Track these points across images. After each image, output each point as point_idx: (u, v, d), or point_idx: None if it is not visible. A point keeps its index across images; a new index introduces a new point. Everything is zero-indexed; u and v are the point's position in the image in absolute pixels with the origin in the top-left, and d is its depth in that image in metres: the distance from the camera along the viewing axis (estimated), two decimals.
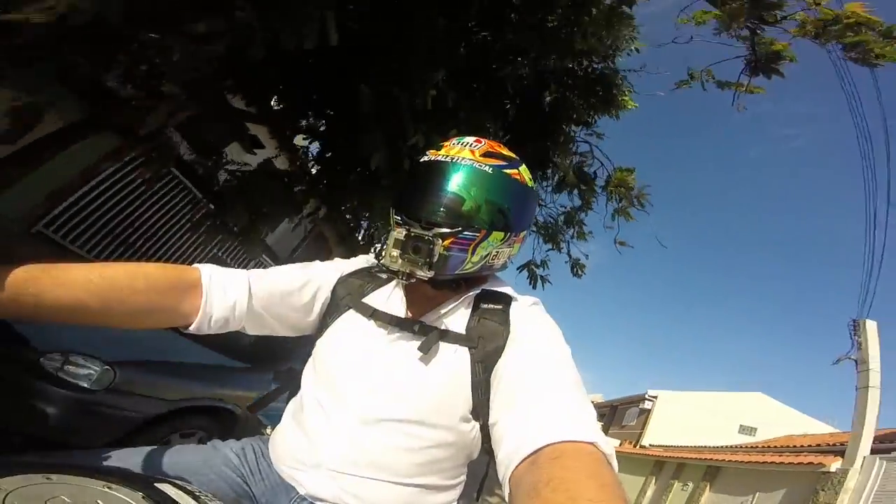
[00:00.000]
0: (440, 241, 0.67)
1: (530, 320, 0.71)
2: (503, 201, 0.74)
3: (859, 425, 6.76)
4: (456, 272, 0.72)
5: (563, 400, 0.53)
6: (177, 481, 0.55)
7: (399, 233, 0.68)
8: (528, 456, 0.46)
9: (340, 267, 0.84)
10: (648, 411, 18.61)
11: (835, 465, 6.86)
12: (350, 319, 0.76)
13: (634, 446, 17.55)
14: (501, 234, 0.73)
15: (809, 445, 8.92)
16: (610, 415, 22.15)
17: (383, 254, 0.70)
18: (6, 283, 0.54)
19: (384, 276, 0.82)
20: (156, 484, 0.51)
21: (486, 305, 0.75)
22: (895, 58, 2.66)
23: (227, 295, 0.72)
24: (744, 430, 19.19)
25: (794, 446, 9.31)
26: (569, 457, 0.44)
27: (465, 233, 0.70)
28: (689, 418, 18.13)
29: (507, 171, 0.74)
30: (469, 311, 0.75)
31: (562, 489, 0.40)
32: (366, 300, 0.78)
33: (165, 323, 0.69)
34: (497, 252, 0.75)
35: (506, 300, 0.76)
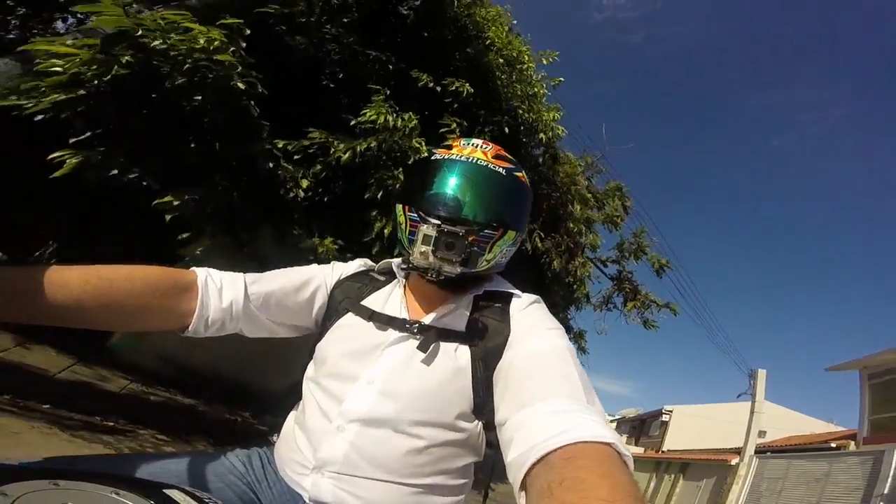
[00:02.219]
0: (468, 237, 0.69)
1: (532, 318, 0.72)
2: (515, 202, 0.78)
3: (748, 437, 11.48)
4: (473, 270, 0.73)
5: (574, 399, 0.52)
6: (186, 488, 0.55)
7: (429, 229, 0.68)
8: (542, 458, 0.44)
9: (338, 270, 0.84)
10: (667, 423, 22.79)
11: (734, 461, 11.66)
12: (349, 322, 0.77)
13: (657, 452, 21.84)
14: (514, 234, 0.76)
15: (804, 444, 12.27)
16: (639, 427, 26.41)
17: (411, 251, 0.71)
18: (1, 284, 0.54)
19: (382, 278, 0.83)
20: (164, 490, 0.51)
21: (485, 303, 0.76)
22: (656, 326, 7.25)
23: (222, 296, 0.72)
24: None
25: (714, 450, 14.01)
26: (583, 457, 0.42)
27: (486, 231, 0.73)
28: (703, 426, 22.08)
29: (516, 173, 0.78)
30: (469, 309, 0.76)
31: (575, 488, 0.38)
32: (364, 302, 0.78)
33: (162, 325, 0.69)
34: (506, 251, 0.77)
35: (505, 298, 0.77)
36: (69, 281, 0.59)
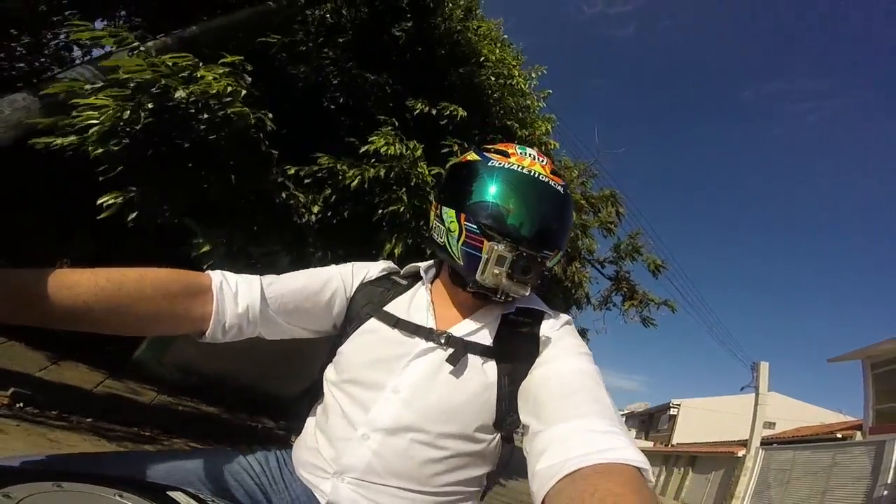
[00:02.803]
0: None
1: (564, 341, 0.71)
2: (569, 222, 0.77)
3: (753, 429, 11.64)
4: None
5: (608, 420, 0.53)
6: (188, 489, 0.55)
7: (503, 250, 0.67)
8: (576, 470, 0.45)
9: (359, 272, 0.83)
10: (675, 416, 22.91)
11: (741, 452, 11.84)
12: (373, 328, 0.75)
13: (666, 446, 21.97)
14: (560, 253, 0.75)
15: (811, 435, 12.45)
16: (648, 421, 26.57)
17: (481, 269, 0.69)
18: (9, 285, 0.53)
19: (405, 282, 0.82)
20: (168, 492, 0.51)
21: (515, 318, 0.75)
22: (655, 323, 7.52)
23: (238, 301, 0.71)
24: (765, 425, 22.84)
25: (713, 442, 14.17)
26: (615, 473, 0.44)
27: (544, 251, 0.71)
28: (711, 419, 22.16)
29: (567, 191, 0.76)
30: (497, 323, 0.75)
31: (609, 500, 0.40)
32: (388, 308, 0.77)
33: (176, 330, 0.68)
34: (550, 268, 0.75)
35: (536, 316, 0.76)
36: (79, 284, 0.57)
